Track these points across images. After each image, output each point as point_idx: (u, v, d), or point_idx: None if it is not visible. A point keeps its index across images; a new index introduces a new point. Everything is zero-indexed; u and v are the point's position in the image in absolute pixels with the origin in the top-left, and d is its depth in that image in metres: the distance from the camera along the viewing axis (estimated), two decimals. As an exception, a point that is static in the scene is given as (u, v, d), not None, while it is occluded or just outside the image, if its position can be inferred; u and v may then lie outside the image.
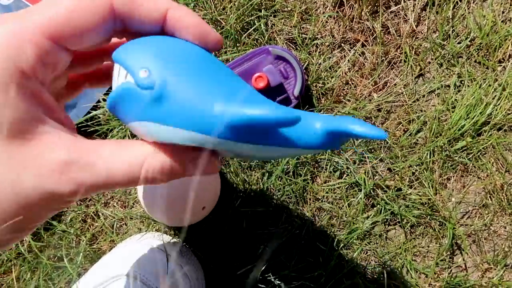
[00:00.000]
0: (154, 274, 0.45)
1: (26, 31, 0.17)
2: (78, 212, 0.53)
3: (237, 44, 0.51)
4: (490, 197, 0.49)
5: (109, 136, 0.53)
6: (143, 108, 0.19)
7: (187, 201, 0.45)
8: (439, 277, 0.48)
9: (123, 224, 0.53)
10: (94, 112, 0.52)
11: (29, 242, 0.51)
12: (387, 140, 0.49)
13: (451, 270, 0.49)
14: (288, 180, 0.49)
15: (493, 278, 0.47)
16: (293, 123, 0.18)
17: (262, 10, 0.52)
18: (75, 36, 0.19)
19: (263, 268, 0.48)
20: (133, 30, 0.21)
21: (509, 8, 0.50)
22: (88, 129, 0.52)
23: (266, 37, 0.51)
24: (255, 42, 0.52)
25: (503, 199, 0.48)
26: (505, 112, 0.48)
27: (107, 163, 0.19)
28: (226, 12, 0.52)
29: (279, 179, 0.50)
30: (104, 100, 0.53)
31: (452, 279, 0.47)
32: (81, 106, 0.54)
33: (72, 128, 0.21)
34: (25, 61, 0.17)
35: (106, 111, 0.52)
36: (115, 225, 0.53)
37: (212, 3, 0.51)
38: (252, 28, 0.51)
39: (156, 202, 0.45)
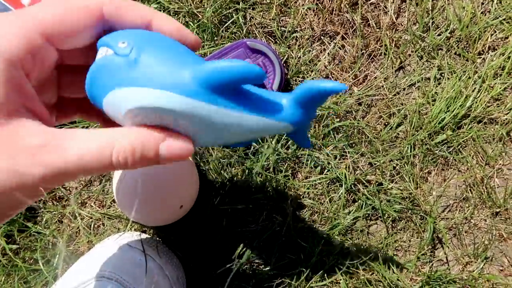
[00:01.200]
0: (132, 274, 0.44)
1: (20, 24, 0.19)
2: (54, 212, 0.52)
3: (215, 38, 0.50)
4: (470, 190, 0.48)
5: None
6: (120, 73, 0.20)
7: (164, 200, 0.43)
8: (420, 272, 0.48)
9: (100, 224, 0.52)
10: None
11: (3, 245, 0.50)
12: (367, 134, 0.49)
13: (432, 264, 0.48)
14: (269, 177, 0.48)
15: (473, 271, 0.47)
16: (260, 77, 0.20)
17: (240, 3, 0.51)
18: (66, 35, 0.20)
19: (243, 266, 0.47)
20: None
21: (489, -1, 0.49)
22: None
23: (244, 31, 0.50)
24: (233, 35, 0.51)
25: (483, 192, 0.48)
26: (485, 105, 0.48)
27: (78, 147, 0.19)
28: (203, 5, 0.50)
29: (259, 175, 0.49)
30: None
31: (433, 273, 0.46)
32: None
33: (50, 124, 0.21)
34: (14, 50, 0.18)
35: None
36: (92, 226, 0.52)
37: (188, -5, 0.50)
38: (230, 21, 0.50)
39: (132, 201, 0.44)
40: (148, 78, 0.20)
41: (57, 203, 0.53)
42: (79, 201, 0.52)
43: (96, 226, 0.52)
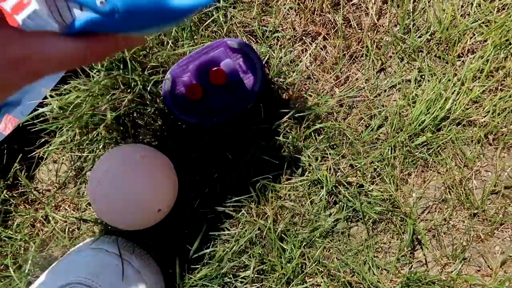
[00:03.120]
0: (109, 280, 0.43)
1: None
2: (26, 216, 0.50)
3: (194, 37, 0.49)
4: (449, 191, 0.49)
5: (58, 136, 0.49)
6: (105, 26, 0.24)
7: (141, 203, 0.42)
8: (400, 273, 0.48)
9: (75, 228, 0.50)
10: (40, 110, 0.48)
11: (-30, 250, 0.47)
12: (349, 136, 0.49)
13: (411, 266, 0.49)
14: (249, 179, 0.48)
15: (452, 272, 0.48)
16: None
17: (221, 1, 0.49)
18: None
19: (223, 270, 0.47)
20: None
21: (468, 2, 0.49)
22: (34, 128, 0.48)
23: (225, 30, 0.49)
24: (213, 34, 0.50)
25: (461, 194, 0.48)
26: (464, 107, 0.48)
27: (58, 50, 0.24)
28: (182, 3, 0.49)
29: (240, 178, 0.48)
30: (52, 96, 0.49)
31: (412, 274, 0.47)
32: (26, 103, 0.50)
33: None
34: None
35: (54, 109, 0.48)
36: (67, 230, 0.50)
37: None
38: (210, 20, 0.49)
39: (107, 204, 0.42)
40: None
41: (29, 207, 0.51)
42: (53, 204, 0.50)
43: (70, 230, 0.50)
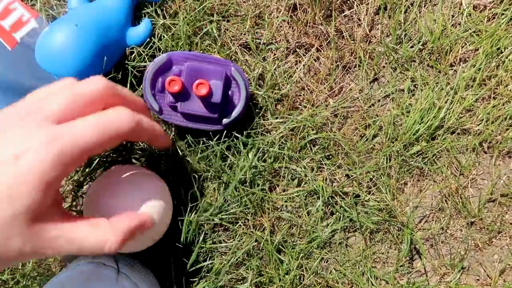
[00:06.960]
0: (106, 294, 0.43)
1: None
2: (24, 231, 0.50)
3: (190, 50, 0.49)
4: (446, 200, 0.49)
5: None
6: None
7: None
8: (399, 283, 0.48)
9: (73, 242, 0.50)
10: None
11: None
12: (344, 146, 0.49)
13: (411, 275, 0.48)
14: (246, 191, 0.48)
15: (451, 282, 0.47)
16: None
17: (215, 15, 0.50)
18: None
19: (221, 283, 0.46)
20: None
21: (458, 12, 0.50)
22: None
23: (219, 43, 0.50)
24: (208, 48, 0.50)
25: (458, 202, 0.48)
26: (458, 116, 0.48)
27: (80, 242, 0.31)
28: (178, 17, 0.50)
29: (236, 189, 0.48)
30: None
31: (411, 285, 0.46)
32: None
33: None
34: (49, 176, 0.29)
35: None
36: (64, 244, 0.50)
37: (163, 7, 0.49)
38: (204, 32, 0.50)
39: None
40: None
41: (27, 222, 0.51)
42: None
43: (68, 244, 0.50)
